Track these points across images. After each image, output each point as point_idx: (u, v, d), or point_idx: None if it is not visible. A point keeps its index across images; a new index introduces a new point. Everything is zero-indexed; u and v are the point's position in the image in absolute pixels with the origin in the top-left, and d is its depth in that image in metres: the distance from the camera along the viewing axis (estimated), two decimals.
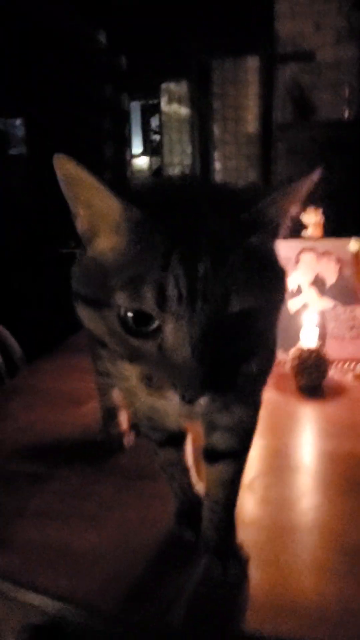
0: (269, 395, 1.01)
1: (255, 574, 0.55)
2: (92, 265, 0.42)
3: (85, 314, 0.43)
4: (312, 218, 1.20)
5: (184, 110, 3.17)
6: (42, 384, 1.11)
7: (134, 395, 0.45)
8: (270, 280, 0.42)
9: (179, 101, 3.15)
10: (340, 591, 0.53)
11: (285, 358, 1.08)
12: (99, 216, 0.40)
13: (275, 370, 1.09)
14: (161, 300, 0.37)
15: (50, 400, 1.01)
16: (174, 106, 3.18)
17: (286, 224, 0.43)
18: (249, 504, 0.68)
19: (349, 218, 1.49)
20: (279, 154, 2.89)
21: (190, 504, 0.62)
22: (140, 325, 0.38)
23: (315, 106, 2.92)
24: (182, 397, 0.38)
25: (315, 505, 0.68)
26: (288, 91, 2.88)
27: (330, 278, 1.17)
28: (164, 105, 3.21)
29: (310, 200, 1.30)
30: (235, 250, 0.38)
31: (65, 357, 1.22)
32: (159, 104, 3.22)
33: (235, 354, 0.39)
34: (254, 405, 0.57)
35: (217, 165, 3.24)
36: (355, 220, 1.49)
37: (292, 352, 1.02)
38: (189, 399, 0.38)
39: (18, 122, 3.55)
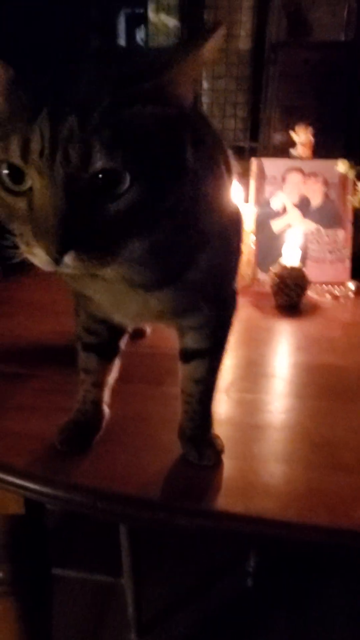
0: (247, 312, 1.04)
1: (228, 463, 0.58)
2: None
3: None
4: (302, 137, 1.17)
5: (172, 22, 2.96)
6: (20, 295, 1.10)
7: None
8: (170, 166, 0.40)
9: (168, 11, 2.94)
10: (310, 479, 0.56)
11: (265, 277, 1.09)
12: None
13: (255, 288, 1.12)
14: (26, 152, 0.37)
15: (29, 310, 1.01)
16: (162, 16, 2.96)
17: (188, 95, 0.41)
18: (224, 406, 0.70)
19: (339, 140, 1.45)
20: (271, 76, 2.76)
21: (85, 419, 0.62)
22: (16, 183, 0.39)
23: (311, 25, 2.76)
24: (48, 255, 0.38)
25: (287, 407, 0.72)
26: (284, 6, 2.71)
27: (316, 200, 1.16)
28: (151, 14, 2.99)
29: (301, 119, 1.26)
30: (108, 112, 0.37)
31: (42, 273, 1.20)
32: (145, 13, 3.00)
33: (111, 221, 0.39)
34: (223, 304, 0.58)
35: (205, 84, 3.08)
36: (345, 143, 1.46)
37: (273, 270, 1.02)
38: (54, 257, 0.38)
39: None
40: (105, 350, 0.62)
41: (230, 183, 0.57)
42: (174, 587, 1.31)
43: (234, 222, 0.56)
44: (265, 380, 0.79)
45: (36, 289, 1.10)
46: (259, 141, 3.03)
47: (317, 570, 1.36)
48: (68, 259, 0.38)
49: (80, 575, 1.21)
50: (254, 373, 0.80)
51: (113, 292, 0.51)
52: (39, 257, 0.40)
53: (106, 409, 0.63)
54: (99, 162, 0.37)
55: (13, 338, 0.88)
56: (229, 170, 0.56)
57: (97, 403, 0.62)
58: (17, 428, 0.64)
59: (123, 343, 0.64)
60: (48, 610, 0.82)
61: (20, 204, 0.39)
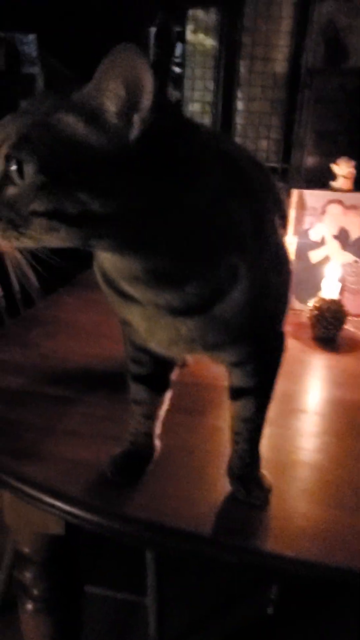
0: None
1: (273, 501, 0.59)
2: None
3: None
4: (344, 169, 1.18)
5: (209, 42, 3.01)
6: (62, 315, 1.12)
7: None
8: (109, 178, 0.42)
9: (206, 32, 2.99)
10: (354, 523, 0.57)
11: (302, 308, 1.10)
12: None
13: (293, 319, 1.13)
14: None
15: (72, 331, 1.03)
16: (200, 37, 3.01)
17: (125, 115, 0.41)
18: (263, 442, 0.71)
19: None
20: (306, 100, 2.78)
21: (137, 450, 0.64)
22: None
23: (349, 51, 2.78)
24: None
25: (325, 446, 0.72)
26: (322, 32, 2.73)
27: (355, 232, 1.17)
28: (189, 34, 3.04)
29: (334, 143, 1.27)
30: (35, 117, 0.42)
31: (82, 291, 1.23)
32: (183, 32, 3.06)
33: (14, 201, 0.42)
34: (267, 346, 0.58)
35: (240, 105, 3.12)
36: None
37: (313, 302, 1.04)
38: None
39: (31, 38, 3.36)
40: (155, 383, 0.64)
41: (281, 230, 0.57)
42: (196, 608, 1.32)
43: (280, 268, 0.56)
44: (302, 416, 0.80)
45: (78, 309, 1.12)
46: (291, 163, 3.05)
47: (331, 588, 1.35)
48: None
49: (104, 593, 1.22)
50: (290, 409, 0.81)
51: (146, 317, 0.53)
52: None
53: (157, 441, 0.65)
54: (5, 149, 0.42)
55: (58, 360, 0.90)
56: (282, 218, 0.57)
57: (149, 435, 0.64)
58: (68, 454, 0.66)
59: (174, 376, 0.65)
60: (78, 628, 0.84)
61: None
